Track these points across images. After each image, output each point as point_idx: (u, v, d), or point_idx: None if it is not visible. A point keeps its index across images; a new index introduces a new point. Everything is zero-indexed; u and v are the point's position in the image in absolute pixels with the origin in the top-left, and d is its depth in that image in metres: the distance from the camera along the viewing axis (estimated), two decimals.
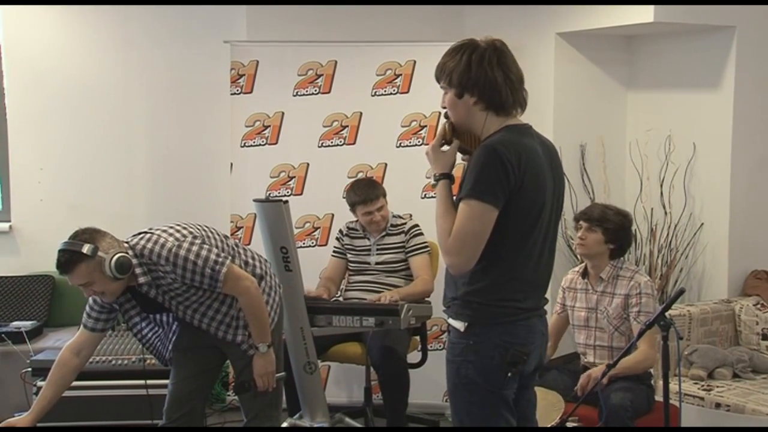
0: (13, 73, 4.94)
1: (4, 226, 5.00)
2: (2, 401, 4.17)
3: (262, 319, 3.01)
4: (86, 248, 2.75)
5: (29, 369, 3.82)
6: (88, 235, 2.81)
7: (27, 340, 4.27)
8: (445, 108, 2.41)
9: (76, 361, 3.05)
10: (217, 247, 2.95)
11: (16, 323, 4.46)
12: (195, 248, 2.84)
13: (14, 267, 4.90)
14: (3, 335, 4.30)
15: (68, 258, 2.77)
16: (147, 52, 5.05)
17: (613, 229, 3.50)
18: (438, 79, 2.39)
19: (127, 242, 2.88)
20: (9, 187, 5.03)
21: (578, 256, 3.72)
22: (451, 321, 2.39)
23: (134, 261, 2.83)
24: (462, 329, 2.33)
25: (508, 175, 2.22)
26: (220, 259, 2.88)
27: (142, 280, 2.85)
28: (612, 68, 4.87)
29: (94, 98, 5.03)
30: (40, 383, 3.69)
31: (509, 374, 2.31)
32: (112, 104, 5.07)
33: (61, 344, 4.16)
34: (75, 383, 3.70)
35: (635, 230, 4.62)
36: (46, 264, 4.89)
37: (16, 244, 5.05)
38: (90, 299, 3.01)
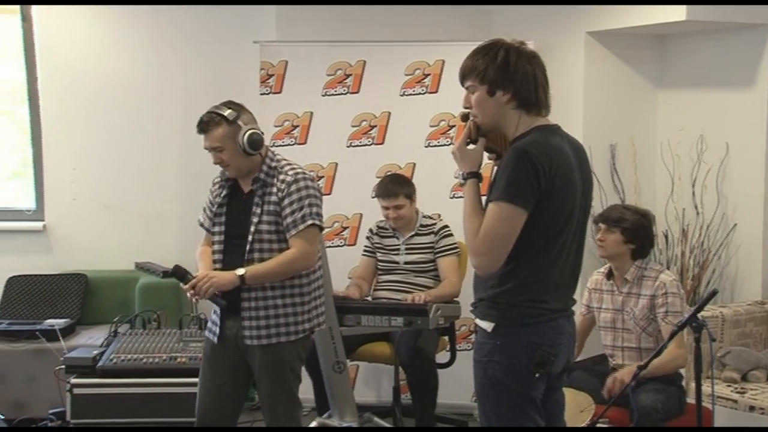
0: (47, 73, 5.01)
1: (38, 225, 5.07)
2: (37, 398, 4.22)
3: (273, 276, 2.98)
4: (228, 113, 2.97)
5: (63, 366, 3.86)
6: (236, 105, 3.04)
7: (60, 337, 4.32)
8: (467, 108, 2.39)
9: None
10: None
11: (49, 321, 4.51)
12: (317, 192, 3.04)
13: (48, 266, 4.96)
14: (37, 333, 4.36)
15: (210, 118, 2.99)
16: (177, 52, 5.09)
17: (632, 228, 3.47)
18: (464, 78, 2.37)
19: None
20: (43, 187, 5.09)
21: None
22: (478, 321, 2.39)
23: (267, 160, 3.02)
24: (489, 330, 2.33)
25: (539, 177, 2.21)
26: (321, 218, 3.03)
27: (261, 176, 3.01)
28: (643, 67, 4.82)
29: (126, 98, 5.08)
30: (73, 380, 3.73)
31: (537, 375, 2.30)
32: (144, 104, 5.11)
33: (94, 341, 4.26)
34: (107, 381, 3.77)
35: (666, 231, 4.59)
36: (79, 262, 4.98)
37: (50, 243, 5.11)
38: (206, 203, 3.19)
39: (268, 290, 3.00)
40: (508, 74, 2.29)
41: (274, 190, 3.01)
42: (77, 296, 4.79)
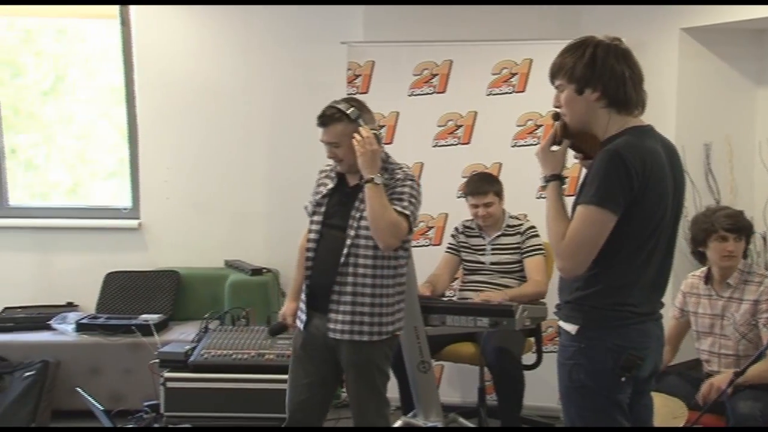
0: (144, 76, 5.16)
1: (134, 223, 5.23)
2: (132, 390, 4.37)
3: (381, 205, 2.94)
4: (351, 111, 2.99)
5: (156, 360, 3.97)
6: (358, 104, 3.07)
7: (155, 332, 4.46)
8: (557, 107, 2.36)
9: None
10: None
11: (144, 316, 4.65)
12: (419, 197, 3.07)
13: (143, 262, 5.13)
14: (133, 327, 4.51)
15: (333, 113, 3.01)
16: (266, 53, 5.17)
17: (750, 234, 3.39)
18: (553, 77, 2.35)
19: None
20: (139, 186, 5.26)
21: (697, 261, 3.56)
22: (561, 323, 2.37)
23: (385, 163, 3.05)
24: (573, 332, 2.31)
25: (631, 181, 2.17)
26: (415, 219, 3.05)
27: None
28: (741, 64, 4.65)
29: (217, 99, 5.19)
30: (166, 374, 3.84)
31: (623, 379, 2.26)
32: (234, 105, 5.22)
33: (186, 337, 4.36)
34: (198, 375, 3.86)
35: (765, 233, 4.42)
36: (172, 260, 5.13)
37: (144, 241, 5.27)
38: (313, 190, 3.22)
39: (359, 287, 3.02)
40: (596, 72, 2.25)
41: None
42: (170, 292, 4.92)
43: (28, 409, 4.13)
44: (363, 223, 3.01)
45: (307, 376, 3.16)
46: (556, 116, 2.38)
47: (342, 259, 3.01)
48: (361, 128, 2.97)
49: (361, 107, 3.06)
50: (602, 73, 2.25)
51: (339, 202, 3.12)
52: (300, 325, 3.17)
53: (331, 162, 3.17)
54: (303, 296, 3.16)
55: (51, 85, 5.32)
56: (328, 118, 3.01)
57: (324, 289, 3.05)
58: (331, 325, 3.04)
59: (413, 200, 3.04)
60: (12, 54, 5.26)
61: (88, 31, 5.28)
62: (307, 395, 3.16)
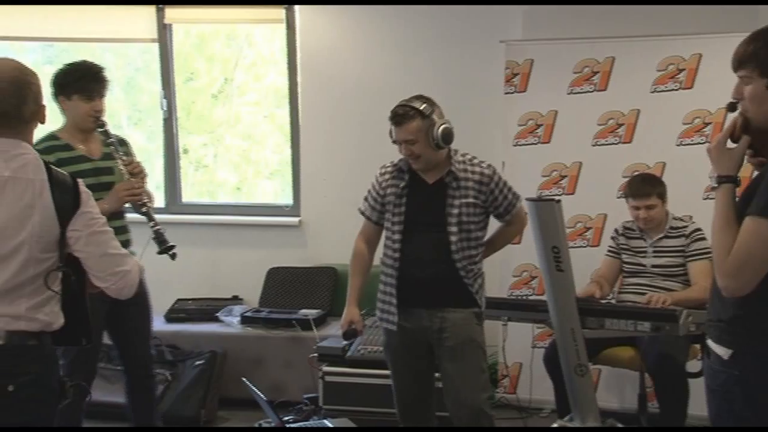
0: (307, 78, 5.31)
1: (295, 220, 5.40)
2: (292, 382, 4.52)
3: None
4: (424, 107, 3.11)
5: (316, 354, 4.09)
6: (427, 100, 3.17)
7: (314, 327, 4.59)
8: (735, 100, 2.09)
9: (368, 249, 3.43)
10: None
11: (303, 311, 4.80)
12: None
13: (303, 258, 5.29)
14: (293, 321, 4.67)
15: (406, 111, 3.13)
16: (424, 53, 5.19)
17: None
18: (740, 65, 2.04)
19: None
20: (299, 185, 5.43)
21: None
22: (711, 344, 2.11)
23: (452, 154, 3.22)
24: (725, 357, 2.05)
25: None
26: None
27: (454, 169, 3.18)
28: None
29: (374, 99, 5.23)
30: (325, 368, 3.96)
31: None
32: (392, 105, 5.22)
33: None
34: (355, 370, 3.96)
35: None
36: (330, 256, 5.25)
37: (305, 238, 5.43)
38: (370, 193, 3.35)
39: (469, 277, 3.20)
40: None
41: (471, 183, 3.16)
42: (328, 289, 5.05)
43: (198, 396, 4.36)
44: (462, 218, 3.17)
45: (412, 372, 3.27)
46: (732, 107, 2.10)
47: (453, 255, 3.15)
48: None
49: (432, 103, 3.16)
50: None
51: (422, 199, 3.20)
52: (390, 325, 3.25)
53: (389, 163, 3.31)
54: (386, 297, 3.28)
55: (220, 87, 5.61)
56: (402, 116, 3.10)
57: (428, 284, 3.17)
58: (451, 316, 3.18)
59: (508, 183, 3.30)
60: (187, 60, 5.59)
61: (255, 35, 5.52)
62: (416, 390, 3.28)
